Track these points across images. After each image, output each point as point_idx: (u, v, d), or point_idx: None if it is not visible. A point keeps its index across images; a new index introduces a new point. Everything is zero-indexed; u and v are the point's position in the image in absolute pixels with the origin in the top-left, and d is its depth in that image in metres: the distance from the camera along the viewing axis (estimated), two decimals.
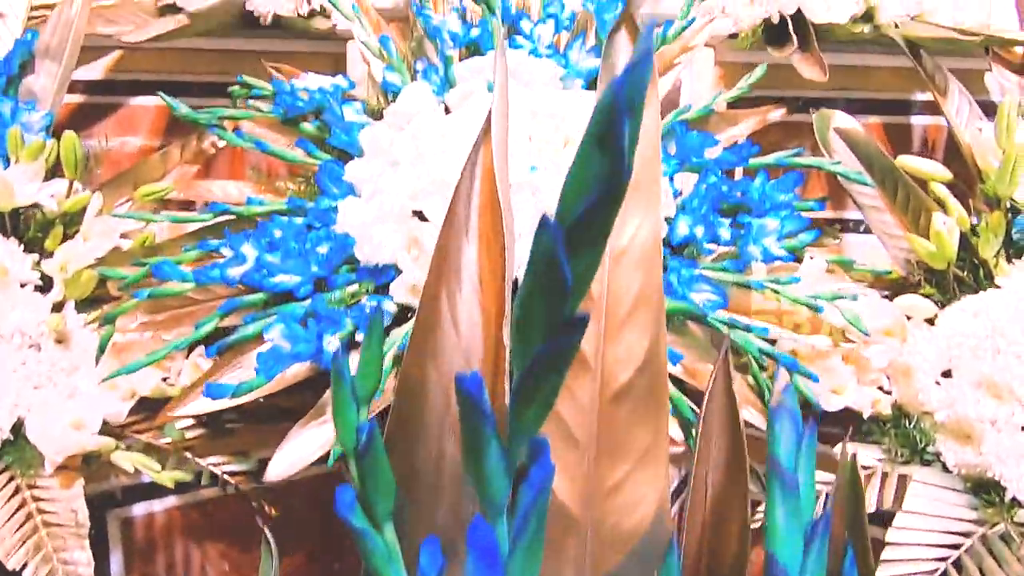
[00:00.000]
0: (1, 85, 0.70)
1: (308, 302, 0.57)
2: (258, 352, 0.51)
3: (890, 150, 1.07)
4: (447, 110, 0.67)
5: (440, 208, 0.58)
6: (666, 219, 0.65)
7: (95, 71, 1.00)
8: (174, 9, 0.91)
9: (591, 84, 0.70)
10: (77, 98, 1.01)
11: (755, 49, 0.91)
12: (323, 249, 0.60)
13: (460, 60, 0.70)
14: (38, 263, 0.66)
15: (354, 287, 0.59)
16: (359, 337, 0.56)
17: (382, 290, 0.58)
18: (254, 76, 0.95)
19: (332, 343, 0.52)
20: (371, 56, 0.73)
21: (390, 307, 0.57)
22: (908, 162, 0.75)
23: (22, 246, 0.66)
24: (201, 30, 0.84)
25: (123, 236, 0.72)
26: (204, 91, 1.01)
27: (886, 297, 0.69)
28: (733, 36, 0.92)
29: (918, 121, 1.03)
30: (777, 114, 0.83)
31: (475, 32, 0.69)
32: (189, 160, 0.79)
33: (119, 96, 1.03)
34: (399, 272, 0.57)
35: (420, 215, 0.58)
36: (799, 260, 0.67)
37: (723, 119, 0.81)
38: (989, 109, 0.77)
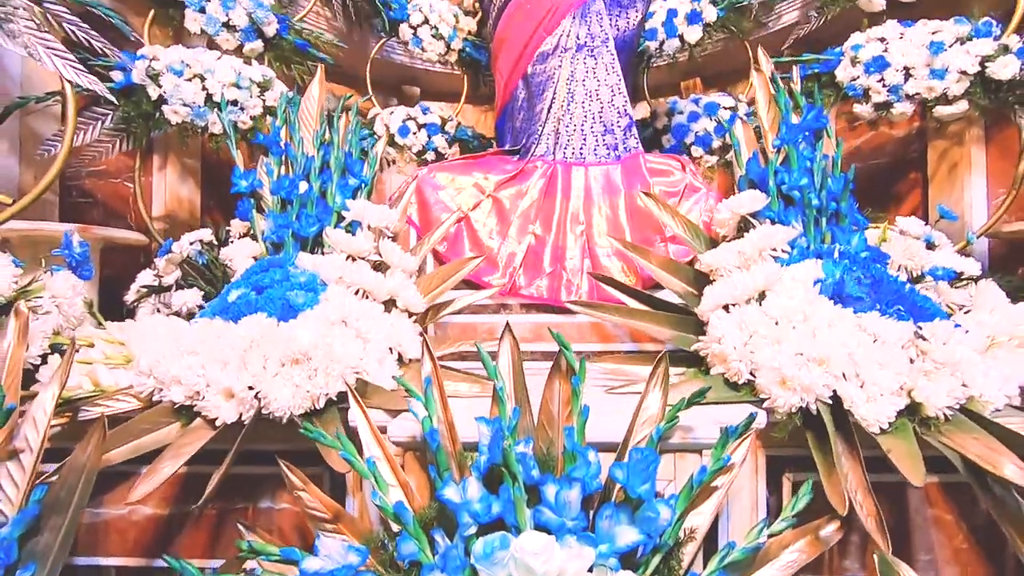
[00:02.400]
0: None
1: None
2: None
3: (954, 513, 0.98)
4: None
5: None
6: None
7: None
8: (190, 413, 0.90)
9: (625, 562, 0.64)
10: None
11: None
12: None
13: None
14: None
15: None
16: None
17: None
18: (270, 445, 0.92)
19: None
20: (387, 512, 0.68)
21: None
22: None
23: None
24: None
25: None
26: (217, 458, 0.98)
27: None
28: (771, 413, 0.87)
29: None
30: (830, 530, 0.75)
31: (496, 508, 0.64)
32: None
33: (128, 464, 1.00)
34: None
35: None
36: None
37: (774, 545, 0.73)
38: None
